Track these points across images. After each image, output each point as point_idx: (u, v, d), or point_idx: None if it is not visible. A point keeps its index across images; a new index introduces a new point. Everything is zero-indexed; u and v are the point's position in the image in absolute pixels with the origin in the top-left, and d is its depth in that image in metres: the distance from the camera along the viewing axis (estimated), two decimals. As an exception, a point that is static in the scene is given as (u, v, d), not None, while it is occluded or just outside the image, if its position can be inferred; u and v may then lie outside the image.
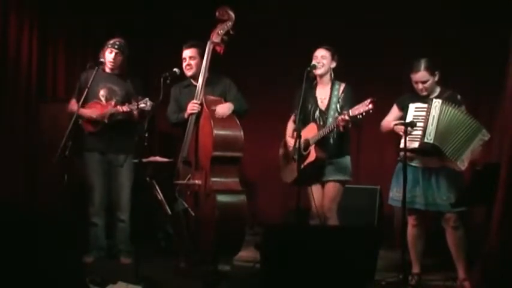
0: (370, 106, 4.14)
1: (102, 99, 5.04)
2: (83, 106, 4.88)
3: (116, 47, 5.04)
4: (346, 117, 4.28)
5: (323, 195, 4.62)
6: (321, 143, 4.53)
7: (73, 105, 5.07)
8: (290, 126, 4.87)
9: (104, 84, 5.06)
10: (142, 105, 4.77)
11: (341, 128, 4.40)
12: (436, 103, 4.36)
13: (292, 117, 4.85)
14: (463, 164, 4.27)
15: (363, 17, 6.30)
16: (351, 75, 5.19)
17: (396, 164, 4.61)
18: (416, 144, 4.37)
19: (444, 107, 4.34)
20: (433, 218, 4.69)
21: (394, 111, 4.69)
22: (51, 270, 2.94)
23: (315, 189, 4.63)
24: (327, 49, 4.64)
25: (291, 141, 4.75)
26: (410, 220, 4.59)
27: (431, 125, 4.32)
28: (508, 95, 3.76)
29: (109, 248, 5.21)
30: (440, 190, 4.42)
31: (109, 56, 5.05)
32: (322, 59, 4.61)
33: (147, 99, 4.78)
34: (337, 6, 6.37)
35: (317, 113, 4.65)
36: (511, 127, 3.57)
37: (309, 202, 4.67)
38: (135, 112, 4.93)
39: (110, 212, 5.19)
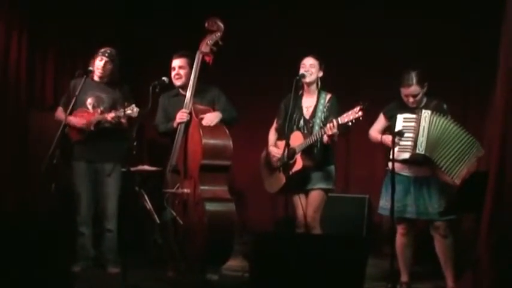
0: (360, 113, 4.13)
1: (89, 107, 5.03)
2: (70, 114, 4.87)
3: (106, 55, 5.04)
4: (334, 130, 4.26)
5: (307, 204, 4.62)
6: (306, 151, 4.53)
7: (60, 112, 5.06)
8: (272, 135, 4.88)
9: (92, 93, 5.05)
10: (129, 111, 4.76)
11: (327, 139, 4.40)
12: (426, 114, 4.38)
13: (274, 125, 4.87)
14: (458, 180, 4.28)
15: (351, 26, 6.31)
16: (339, 84, 5.20)
17: (386, 174, 4.61)
18: (407, 155, 4.39)
19: (434, 118, 4.36)
20: (422, 226, 4.71)
21: (381, 121, 4.70)
22: (39, 280, 2.91)
23: (300, 198, 4.63)
24: (315, 58, 4.65)
25: (274, 151, 4.74)
26: (400, 229, 4.59)
27: (422, 136, 4.34)
28: (496, 106, 3.79)
29: (96, 257, 5.17)
30: (432, 198, 4.43)
31: (99, 64, 5.05)
32: (311, 68, 4.62)
33: (133, 105, 4.77)
34: (326, 14, 6.39)
35: (301, 121, 4.66)
36: (498, 138, 3.59)
37: (294, 211, 4.67)
38: (122, 120, 4.91)
39: (97, 221, 5.16)
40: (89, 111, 5.01)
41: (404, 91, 4.49)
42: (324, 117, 4.58)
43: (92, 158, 5.06)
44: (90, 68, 5.02)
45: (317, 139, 4.44)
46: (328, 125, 4.32)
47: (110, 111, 4.97)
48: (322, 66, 4.67)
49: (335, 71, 4.95)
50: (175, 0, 6.78)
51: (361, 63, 6.26)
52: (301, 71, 4.60)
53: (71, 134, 5.04)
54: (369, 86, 6.09)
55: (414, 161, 4.41)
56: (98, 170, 5.07)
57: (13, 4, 5.70)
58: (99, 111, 4.99)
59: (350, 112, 4.19)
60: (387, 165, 4.50)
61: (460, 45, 5.84)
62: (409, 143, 4.39)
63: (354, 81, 6.23)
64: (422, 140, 4.35)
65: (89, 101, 5.04)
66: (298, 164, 4.53)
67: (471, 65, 5.78)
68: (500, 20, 3.60)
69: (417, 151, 4.34)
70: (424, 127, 4.36)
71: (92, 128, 4.93)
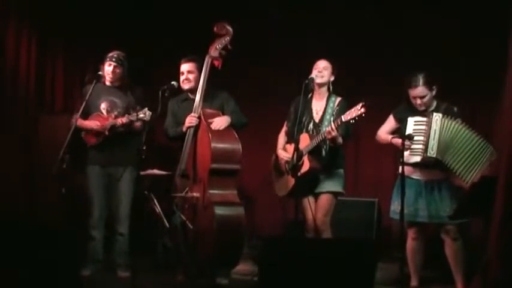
0: (362, 110, 4.10)
1: (104, 112, 5.05)
2: (84, 119, 4.95)
3: (114, 59, 5.05)
4: (334, 133, 4.28)
5: (316, 208, 4.61)
6: (314, 153, 4.52)
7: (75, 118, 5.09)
8: (281, 138, 4.87)
9: (105, 98, 5.07)
10: (141, 115, 4.78)
11: (329, 142, 4.39)
12: (437, 117, 4.37)
13: (284, 129, 4.86)
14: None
15: (358, 28, 6.32)
16: (348, 86, 5.19)
17: (396, 177, 4.59)
18: (418, 158, 4.38)
19: (445, 122, 4.35)
20: (432, 231, 4.69)
21: (391, 122, 4.69)
22: (48, 283, 2.92)
23: (310, 202, 4.62)
24: (328, 61, 4.63)
25: (282, 154, 4.73)
26: (410, 233, 4.57)
27: (433, 139, 4.33)
28: (505, 110, 3.77)
29: (106, 261, 5.18)
30: (444, 202, 4.41)
31: (107, 69, 5.07)
32: (324, 70, 4.60)
33: (146, 109, 4.78)
34: (333, 18, 6.40)
35: (311, 125, 4.65)
36: (508, 142, 3.57)
37: (304, 215, 4.65)
38: (136, 123, 4.93)
39: (108, 225, 5.17)
40: (103, 115, 5.04)
41: (411, 92, 4.48)
42: (333, 121, 4.57)
43: (106, 162, 5.08)
44: (100, 73, 5.04)
45: (322, 140, 4.43)
46: (327, 129, 4.33)
47: (123, 115, 4.98)
48: (335, 70, 4.66)
49: (344, 72, 4.93)
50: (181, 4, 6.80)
51: (371, 64, 6.27)
52: (314, 73, 4.58)
53: (87, 138, 5.07)
54: (371, 87, 6.10)
55: (426, 164, 4.40)
56: (112, 173, 5.08)
57: (22, 10, 5.74)
58: (113, 115, 5.00)
59: (353, 110, 4.17)
60: (398, 169, 4.49)
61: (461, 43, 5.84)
62: (420, 146, 4.37)
63: (363, 82, 6.23)
64: (433, 143, 4.33)
65: (103, 106, 5.06)
66: (305, 165, 4.51)
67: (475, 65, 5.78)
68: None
69: (428, 154, 4.33)
70: (435, 130, 4.35)
71: (106, 133, 4.95)
